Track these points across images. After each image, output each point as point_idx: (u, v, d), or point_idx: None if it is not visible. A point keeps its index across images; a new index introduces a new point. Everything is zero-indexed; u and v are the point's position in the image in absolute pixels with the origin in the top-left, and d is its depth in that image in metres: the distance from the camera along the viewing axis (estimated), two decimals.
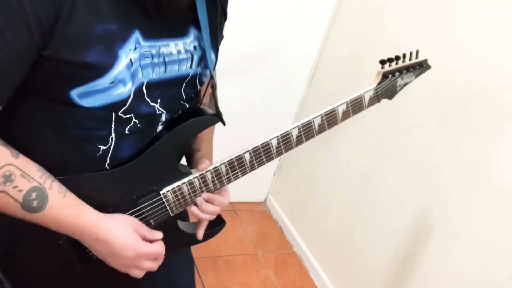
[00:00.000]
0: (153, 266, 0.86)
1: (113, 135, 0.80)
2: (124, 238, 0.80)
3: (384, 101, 1.07)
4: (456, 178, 1.52)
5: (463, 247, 1.49)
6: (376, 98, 1.03)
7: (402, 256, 1.74)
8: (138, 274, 0.85)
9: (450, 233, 1.54)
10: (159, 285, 1.03)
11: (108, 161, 0.82)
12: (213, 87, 0.95)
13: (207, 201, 0.95)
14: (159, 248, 0.86)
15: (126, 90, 0.76)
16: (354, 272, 1.99)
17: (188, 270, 1.14)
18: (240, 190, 2.26)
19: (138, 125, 0.83)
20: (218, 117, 0.92)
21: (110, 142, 0.81)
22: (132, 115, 0.81)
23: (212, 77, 0.93)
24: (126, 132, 0.82)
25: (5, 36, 0.63)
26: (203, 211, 0.95)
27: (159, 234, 0.88)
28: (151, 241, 0.86)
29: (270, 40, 2.10)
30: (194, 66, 0.88)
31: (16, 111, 0.75)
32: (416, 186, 1.68)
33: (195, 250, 1.15)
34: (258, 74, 2.15)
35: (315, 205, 2.28)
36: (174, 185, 0.90)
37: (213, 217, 0.99)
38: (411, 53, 1.06)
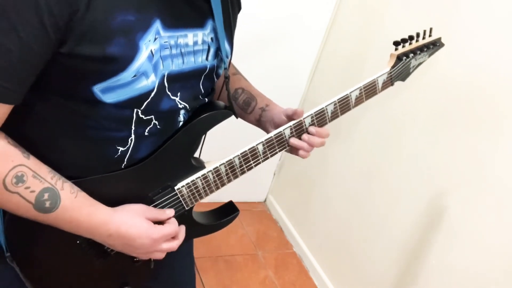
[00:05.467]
0: (172, 246, 0.87)
1: (132, 136, 0.79)
2: (136, 227, 0.80)
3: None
4: (456, 178, 1.53)
5: (463, 246, 1.49)
6: (390, 81, 1.00)
7: (402, 256, 1.74)
8: (160, 256, 0.87)
9: (450, 232, 1.54)
10: (162, 286, 1.04)
11: (125, 162, 0.81)
12: (227, 79, 0.93)
13: (314, 135, 0.96)
14: (172, 227, 0.86)
15: (149, 82, 0.75)
16: (354, 272, 1.99)
17: (189, 271, 1.15)
18: (240, 190, 2.23)
19: (158, 127, 0.81)
20: (231, 110, 0.90)
21: (129, 143, 0.79)
22: (152, 116, 0.79)
23: (225, 68, 0.92)
24: (146, 133, 0.80)
25: (17, 31, 0.60)
26: (313, 145, 0.96)
27: (170, 212, 0.88)
28: (164, 222, 0.87)
29: (271, 38, 2.10)
30: (210, 58, 0.86)
31: (33, 111, 0.73)
32: (416, 186, 1.68)
33: (195, 250, 1.15)
34: (259, 73, 2.11)
35: (315, 205, 2.28)
36: (188, 180, 0.89)
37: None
38: (424, 32, 1.03)
